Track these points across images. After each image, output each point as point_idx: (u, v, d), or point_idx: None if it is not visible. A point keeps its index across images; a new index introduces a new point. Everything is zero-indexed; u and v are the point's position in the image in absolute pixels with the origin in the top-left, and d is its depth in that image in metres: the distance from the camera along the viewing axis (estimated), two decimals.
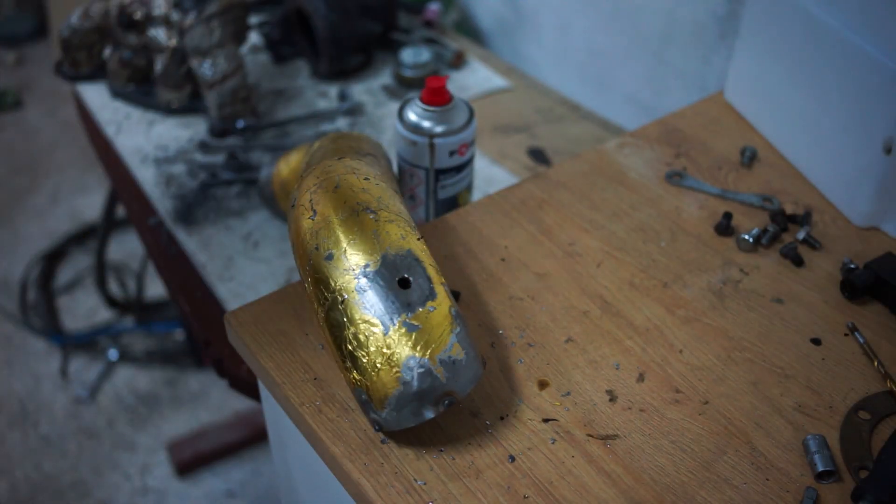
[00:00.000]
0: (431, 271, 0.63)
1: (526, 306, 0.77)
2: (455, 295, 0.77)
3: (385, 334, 0.59)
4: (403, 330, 0.59)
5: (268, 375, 0.71)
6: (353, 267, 0.61)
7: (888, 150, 0.79)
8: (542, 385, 0.70)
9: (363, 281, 0.61)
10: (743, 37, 0.98)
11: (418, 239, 0.65)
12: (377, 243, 0.62)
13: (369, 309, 0.60)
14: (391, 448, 0.65)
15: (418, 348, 0.59)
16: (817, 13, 0.84)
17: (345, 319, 0.61)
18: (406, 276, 0.61)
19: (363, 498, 0.63)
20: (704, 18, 1.35)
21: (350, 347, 0.60)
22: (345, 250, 0.62)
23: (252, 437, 1.73)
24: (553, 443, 0.65)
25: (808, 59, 0.87)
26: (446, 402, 0.61)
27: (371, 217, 0.64)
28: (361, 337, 0.60)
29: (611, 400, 0.69)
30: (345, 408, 0.67)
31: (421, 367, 0.59)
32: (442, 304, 0.61)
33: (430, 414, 0.61)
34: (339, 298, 0.61)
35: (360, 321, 0.60)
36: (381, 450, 0.64)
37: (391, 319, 0.59)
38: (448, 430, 0.66)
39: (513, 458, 0.64)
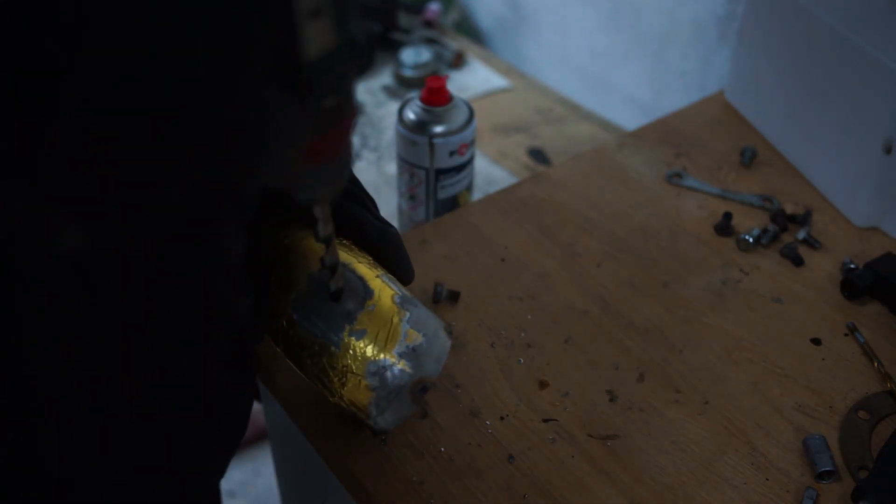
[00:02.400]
0: (362, 269, 0.61)
1: (526, 306, 0.77)
2: (455, 295, 0.76)
3: (337, 351, 0.58)
4: (352, 340, 0.58)
5: (268, 375, 0.71)
6: (284, 300, 0.60)
7: (888, 150, 0.79)
8: (542, 385, 0.70)
9: (299, 309, 0.59)
10: (743, 37, 0.98)
11: (340, 242, 0.63)
12: (298, 268, 0.61)
13: (315, 333, 0.59)
14: (391, 448, 0.65)
15: (373, 351, 0.58)
16: (817, 13, 0.85)
17: (298, 350, 0.60)
18: (333, 288, 0.59)
19: (363, 498, 0.63)
20: (704, 18, 1.35)
21: (314, 374, 0.60)
22: (274, 285, 0.61)
23: (252, 437, 1.72)
24: (553, 443, 0.65)
25: (808, 59, 0.88)
26: (420, 389, 0.60)
27: (285, 242, 0.62)
28: (318, 361, 0.59)
29: (611, 400, 0.69)
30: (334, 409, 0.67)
31: (383, 368, 0.58)
32: (381, 298, 0.60)
33: (412, 407, 0.60)
34: (290, 332, 0.60)
35: (311, 347, 0.59)
36: (382, 450, 0.64)
37: (337, 335, 0.58)
38: (448, 430, 0.66)
39: (513, 458, 0.64)
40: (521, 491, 0.62)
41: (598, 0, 1.56)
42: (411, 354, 0.59)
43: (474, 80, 1.40)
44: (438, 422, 0.66)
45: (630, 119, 1.47)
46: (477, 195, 1.01)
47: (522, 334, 0.74)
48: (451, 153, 0.89)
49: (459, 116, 0.89)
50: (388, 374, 0.58)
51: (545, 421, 0.67)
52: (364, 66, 0.42)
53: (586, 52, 1.64)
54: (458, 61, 1.42)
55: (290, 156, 0.41)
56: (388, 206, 1.04)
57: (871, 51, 0.79)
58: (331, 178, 0.46)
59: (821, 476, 0.63)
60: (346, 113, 0.42)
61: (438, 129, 0.88)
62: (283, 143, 0.39)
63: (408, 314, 0.60)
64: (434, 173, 0.90)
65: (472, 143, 0.91)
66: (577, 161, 0.95)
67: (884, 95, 0.78)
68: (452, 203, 0.94)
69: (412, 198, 0.93)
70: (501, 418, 0.67)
